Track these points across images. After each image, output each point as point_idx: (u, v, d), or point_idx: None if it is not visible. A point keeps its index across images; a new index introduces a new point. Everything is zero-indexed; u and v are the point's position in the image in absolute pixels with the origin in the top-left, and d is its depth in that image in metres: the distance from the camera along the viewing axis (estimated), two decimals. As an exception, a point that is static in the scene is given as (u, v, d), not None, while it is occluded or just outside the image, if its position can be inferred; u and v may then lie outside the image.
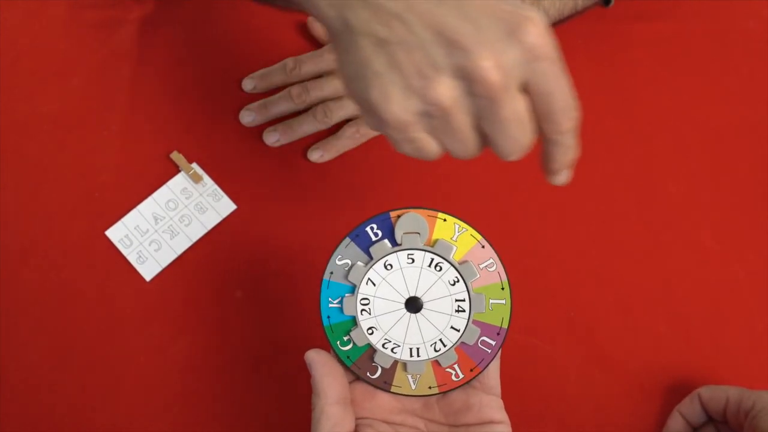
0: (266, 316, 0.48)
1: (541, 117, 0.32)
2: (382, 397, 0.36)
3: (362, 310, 0.35)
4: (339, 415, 0.33)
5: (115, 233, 0.49)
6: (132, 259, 0.49)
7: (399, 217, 0.35)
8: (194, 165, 0.52)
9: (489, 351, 0.36)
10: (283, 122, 0.52)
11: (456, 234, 0.35)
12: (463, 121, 0.32)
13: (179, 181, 0.51)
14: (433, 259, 0.35)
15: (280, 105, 0.53)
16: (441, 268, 0.35)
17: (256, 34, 0.56)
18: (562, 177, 0.35)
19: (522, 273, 0.49)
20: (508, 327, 0.36)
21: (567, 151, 0.34)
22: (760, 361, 0.48)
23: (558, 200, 0.52)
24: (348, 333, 0.36)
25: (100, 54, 0.55)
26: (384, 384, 0.36)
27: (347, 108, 0.52)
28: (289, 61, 0.53)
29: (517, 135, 0.32)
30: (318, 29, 0.55)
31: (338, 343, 0.36)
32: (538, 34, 0.30)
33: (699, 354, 0.48)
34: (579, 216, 0.51)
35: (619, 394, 0.47)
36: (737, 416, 0.41)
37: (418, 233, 0.35)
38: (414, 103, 0.31)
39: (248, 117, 0.53)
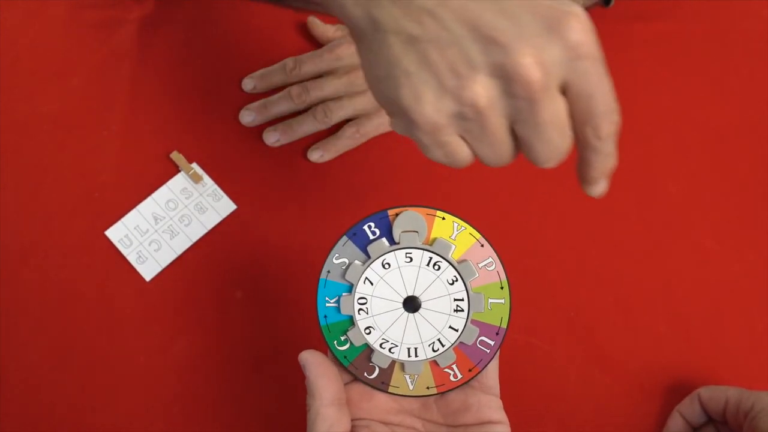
0: (266, 316, 0.48)
1: (579, 121, 0.30)
2: (380, 398, 0.36)
3: (359, 309, 0.35)
4: (334, 416, 0.33)
5: (115, 233, 0.49)
6: (132, 259, 0.49)
7: (397, 215, 0.35)
8: (194, 165, 0.52)
9: (488, 351, 0.35)
10: (283, 122, 0.52)
11: (455, 232, 0.35)
12: (498, 124, 0.30)
13: (179, 181, 0.51)
14: (431, 258, 0.35)
15: (280, 105, 0.53)
16: (439, 267, 0.35)
17: (256, 34, 0.56)
18: (600, 187, 0.33)
19: (522, 273, 0.49)
20: (507, 327, 0.35)
21: (607, 159, 0.31)
22: (760, 361, 0.48)
23: (558, 200, 0.52)
24: (345, 333, 0.35)
25: (100, 54, 0.55)
26: (381, 384, 0.36)
27: (347, 108, 0.52)
28: (289, 61, 0.53)
29: (555, 140, 0.30)
30: (318, 29, 0.55)
31: (335, 342, 0.35)
32: (582, 31, 0.28)
33: (699, 354, 0.48)
34: (579, 216, 0.51)
35: (619, 394, 0.47)
36: (736, 417, 0.41)
37: (417, 232, 0.35)
38: (447, 103, 0.29)
39: (248, 117, 0.53)
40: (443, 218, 0.35)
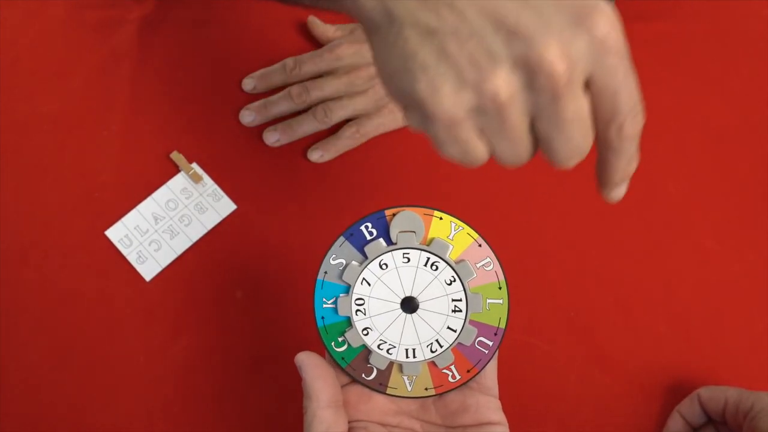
0: (266, 316, 0.48)
1: (603, 119, 0.29)
2: (378, 399, 0.36)
3: (357, 310, 0.35)
4: (331, 418, 0.33)
5: (115, 233, 0.49)
6: (132, 259, 0.49)
7: (394, 215, 0.35)
8: (194, 165, 0.52)
9: (486, 351, 0.35)
10: (283, 122, 0.52)
11: (452, 232, 0.35)
12: (519, 120, 0.28)
13: (179, 181, 0.51)
14: (429, 258, 0.35)
15: (280, 105, 0.53)
16: (437, 268, 0.35)
17: (256, 34, 0.56)
18: (620, 191, 0.32)
19: (522, 273, 0.49)
20: (505, 327, 0.35)
21: (629, 162, 0.30)
22: (760, 362, 0.48)
23: (558, 200, 0.52)
24: (343, 334, 0.35)
25: (100, 54, 0.55)
26: (379, 386, 0.35)
27: (347, 108, 0.52)
28: (289, 61, 0.53)
29: (577, 138, 0.29)
30: (318, 29, 0.55)
31: (333, 344, 0.35)
32: (609, 25, 0.27)
33: (699, 354, 0.48)
34: (579, 215, 0.51)
35: (619, 394, 0.47)
36: (736, 417, 0.41)
37: (414, 232, 0.34)
38: (466, 96, 0.28)
39: (248, 117, 0.53)
40: (440, 218, 0.35)
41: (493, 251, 0.35)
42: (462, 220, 0.35)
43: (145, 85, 0.54)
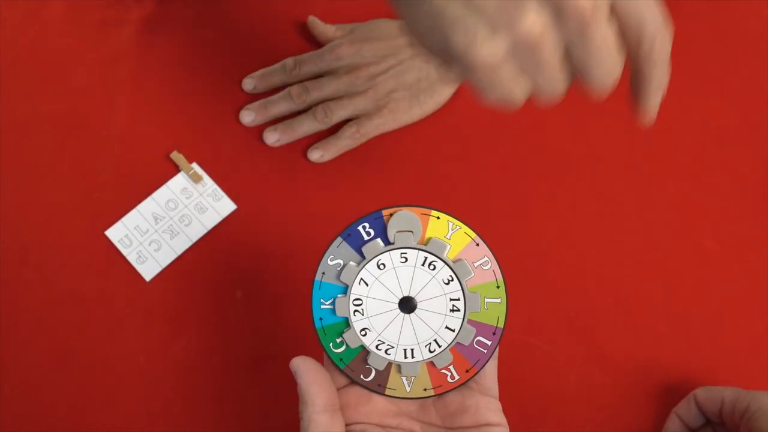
0: (266, 316, 0.48)
1: (631, 42, 0.31)
2: (378, 401, 0.36)
3: (355, 311, 0.35)
4: (327, 423, 0.33)
5: (115, 233, 0.49)
6: (132, 259, 0.49)
7: (391, 215, 0.35)
8: (194, 165, 0.52)
9: (485, 351, 0.35)
10: (284, 122, 0.52)
11: (449, 232, 0.35)
12: (552, 53, 0.30)
13: (179, 181, 0.51)
14: (426, 258, 0.35)
15: (280, 105, 0.53)
16: (435, 267, 0.35)
17: (256, 34, 0.56)
18: (655, 102, 0.34)
19: (522, 273, 0.49)
20: (504, 327, 0.35)
21: (663, 73, 0.32)
22: (760, 362, 0.48)
23: (559, 199, 0.52)
24: (341, 335, 0.35)
25: (100, 54, 0.55)
26: (378, 387, 0.35)
27: (347, 108, 0.52)
28: (289, 61, 0.53)
29: (608, 62, 0.31)
30: (318, 29, 0.55)
31: (331, 345, 0.35)
32: None
33: (699, 354, 0.48)
34: (579, 215, 0.51)
35: (619, 394, 0.47)
36: (733, 417, 0.41)
37: (411, 231, 0.34)
38: (501, 40, 0.29)
39: (248, 117, 0.53)
40: (438, 218, 0.35)
41: (490, 250, 0.35)
42: (459, 220, 0.35)
43: (145, 85, 0.54)
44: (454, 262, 0.35)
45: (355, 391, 0.36)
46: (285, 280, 0.49)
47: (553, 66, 0.31)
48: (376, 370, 0.35)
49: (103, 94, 0.53)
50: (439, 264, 0.35)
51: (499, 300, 0.35)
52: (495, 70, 0.30)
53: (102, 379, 0.46)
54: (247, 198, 0.51)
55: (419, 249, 0.35)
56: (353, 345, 0.35)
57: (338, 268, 0.35)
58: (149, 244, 0.49)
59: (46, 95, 0.53)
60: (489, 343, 0.35)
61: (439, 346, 0.35)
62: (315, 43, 0.56)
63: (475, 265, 0.35)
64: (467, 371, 0.35)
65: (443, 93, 0.53)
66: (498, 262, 0.35)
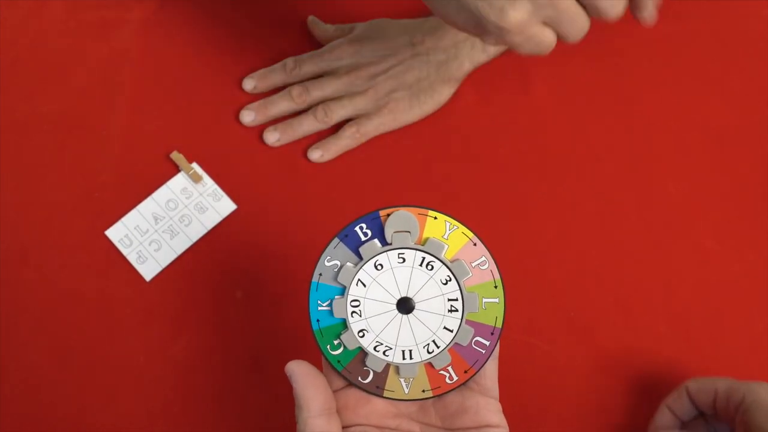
0: (266, 316, 0.48)
1: None
2: (377, 402, 0.36)
3: (353, 312, 0.35)
4: (324, 426, 0.33)
5: (115, 233, 0.49)
6: (132, 259, 0.49)
7: (388, 215, 0.34)
8: (194, 165, 0.52)
9: (483, 352, 0.35)
10: (284, 122, 0.53)
11: (447, 232, 0.35)
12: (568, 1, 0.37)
13: (179, 181, 0.51)
14: (424, 258, 0.34)
15: (281, 105, 0.53)
16: (432, 267, 0.35)
17: (256, 34, 0.56)
18: (652, 7, 0.40)
19: (521, 272, 0.49)
20: (502, 326, 0.35)
21: None
22: (760, 362, 0.48)
23: (559, 199, 0.52)
24: (338, 336, 0.35)
25: (100, 54, 0.55)
26: (376, 389, 0.35)
27: (347, 108, 0.52)
28: (290, 61, 0.53)
29: None
30: (318, 29, 0.55)
31: (328, 347, 0.35)
32: None
33: (699, 354, 0.48)
34: (579, 215, 0.51)
35: (619, 394, 0.47)
36: (727, 409, 0.41)
37: (409, 232, 0.34)
38: (524, 3, 0.36)
39: (248, 117, 0.53)
40: (435, 218, 0.35)
41: (488, 250, 0.35)
42: (457, 220, 0.35)
43: (145, 85, 0.54)
44: (451, 262, 0.35)
45: (354, 393, 0.36)
46: (285, 280, 0.49)
47: (572, 10, 0.37)
48: (374, 371, 0.35)
49: (103, 94, 0.53)
50: (437, 264, 0.35)
51: (497, 300, 0.35)
52: (525, 29, 0.37)
53: (102, 379, 0.46)
54: (247, 198, 0.51)
55: (417, 249, 0.34)
56: (351, 346, 0.35)
57: (335, 269, 0.35)
58: (149, 244, 0.49)
59: (46, 95, 0.53)
60: (487, 343, 0.35)
61: (438, 347, 0.35)
62: (315, 43, 0.56)
63: (473, 265, 0.35)
64: (466, 372, 0.35)
65: (443, 93, 0.53)
66: (495, 262, 0.35)
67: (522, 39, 0.37)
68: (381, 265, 0.35)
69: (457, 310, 0.35)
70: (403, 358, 0.35)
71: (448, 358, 0.35)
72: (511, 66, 0.55)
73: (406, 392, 0.35)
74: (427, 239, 0.35)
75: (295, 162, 0.52)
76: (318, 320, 0.35)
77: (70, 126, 0.52)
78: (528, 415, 0.46)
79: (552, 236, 0.51)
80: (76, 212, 0.50)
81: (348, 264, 0.34)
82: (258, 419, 0.46)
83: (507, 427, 0.35)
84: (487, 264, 0.35)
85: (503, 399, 0.36)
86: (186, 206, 0.51)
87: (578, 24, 0.38)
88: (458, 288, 0.35)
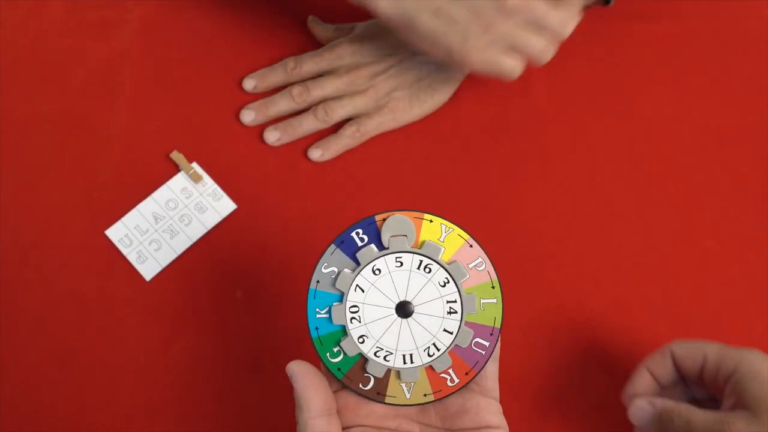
0: (266, 316, 0.48)
1: None
2: (377, 403, 0.35)
3: (352, 318, 0.34)
4: (323, 427, 0.33)
5: (115, 233, 0.49)
6: (132, 258, 0.49)
7: (384, 220, 0.34)
8: (194, 165, 0.52)
9: (483, 353, 0.35)
10: (284, 121, 0.53)
11: (443, 234, 0.35)
12: (520, 30, 0.45)
13: (179, 180, 0.51)
14: (421, 261, 0.34)
15: (281, 104, 0.53)
16: (430, 270, 0.34)
17: (256, 34, 0.56)
18: None
19: (521, 272, 0.49)
20: (500, 327, 0.35)
21: None
22: (760, 361, 0.48)
23: (559, 199, 0.52)
24: (338, 344, 0.34)
25: (100, 54, 0.55)
26: (377, 395, 0.35)
27: (348, 107, 0.52)
28: (290, 61, 0.53)
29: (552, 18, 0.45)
30: (318, 29, 0.55)
31: (328, 355, 0.35)
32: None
33: (699, 354, 0.48)
34: (579, 215, 0.51)
35: (619, 394, 0.47)
36: (716, 379, 0.38)
37: (405, 235, 0.34)
38: (484, 38, 0.44)
39: (248, 116, 0.53)
40: (431, 221, 0.35)
41: (484, 251, 0.35)
42: (452, 222, 0.35)
43: (145, 85, 0.54)
44: (449, 264, 0.34)
45: (354, 394, 0.36)
46: (285, 280, 0.49)
47: (524, 35, 0.44)
48: (374, 377, 0.35)
49: (103, 94, 0.53)
50: (435, 267, 0.34)
51: (494, 300, 0.35)
52: (485, 54, 0.44)
53: (102, 379, 0.46)
54: (247, 198, 0.51)
55: (414, 252, 0.34)
56: (351, 353, 0.34)
57: (333, 276, 0.34)
58: (149, 244, 0.49)
59: (46, 95, 0.53)
60: (487, 344, 0.35)
61: (438, 350, 0.35)
62: (315, 42, 0.56)
63: (470, 266, 0.35)
64: (466, 374, 0.35)
65: (443, 93, 0.53)
66: (492, 263, 0.35)
67: (483, 65, 0.46)
68: (379, 269, 0.34)
69: (456, 312, 0.35)
70: (404, 363, 0.35)
71: (449, 360, 0.35)
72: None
73: (408, 397, 0.35)
74: (423, 242, 0.34)
75: (295, 162, 0.52)
76: (317, 328, 0.35)
77: (70, 126, 0.52)
78: (528, 414, 0.46)
79: (552, 236, 0.51)
80: (76, 212, 0.50)
81: (345, 270, 0.34)
82: (258, 419, 0.46)
83: (507, 428, 0.35)
84: (483, 265, 0.35)
85: (503, 399, 0.36)
86: (186, 206, 0.51)
87: (536, 45, 0.45)
88: (456, 290, 0.34)
